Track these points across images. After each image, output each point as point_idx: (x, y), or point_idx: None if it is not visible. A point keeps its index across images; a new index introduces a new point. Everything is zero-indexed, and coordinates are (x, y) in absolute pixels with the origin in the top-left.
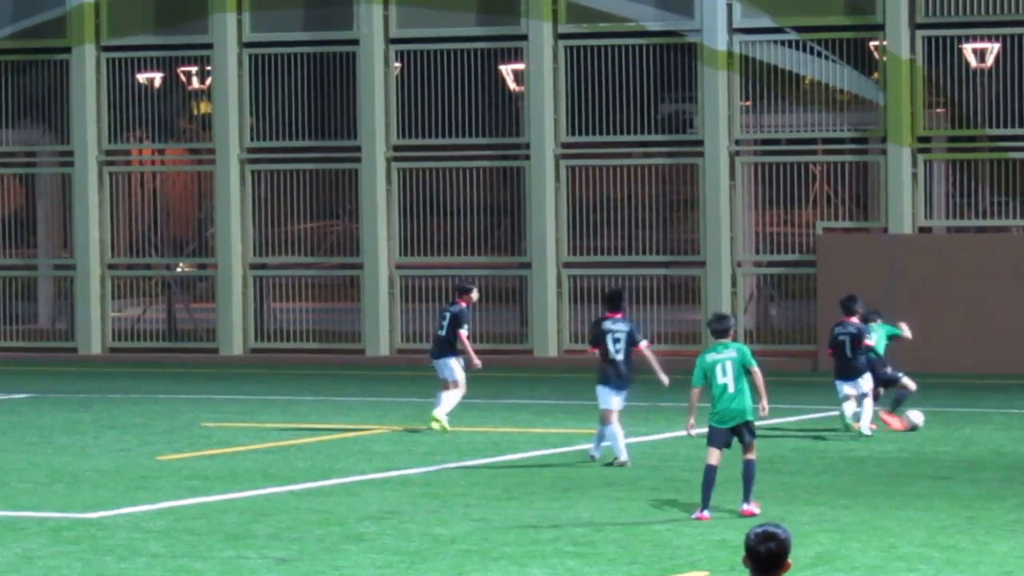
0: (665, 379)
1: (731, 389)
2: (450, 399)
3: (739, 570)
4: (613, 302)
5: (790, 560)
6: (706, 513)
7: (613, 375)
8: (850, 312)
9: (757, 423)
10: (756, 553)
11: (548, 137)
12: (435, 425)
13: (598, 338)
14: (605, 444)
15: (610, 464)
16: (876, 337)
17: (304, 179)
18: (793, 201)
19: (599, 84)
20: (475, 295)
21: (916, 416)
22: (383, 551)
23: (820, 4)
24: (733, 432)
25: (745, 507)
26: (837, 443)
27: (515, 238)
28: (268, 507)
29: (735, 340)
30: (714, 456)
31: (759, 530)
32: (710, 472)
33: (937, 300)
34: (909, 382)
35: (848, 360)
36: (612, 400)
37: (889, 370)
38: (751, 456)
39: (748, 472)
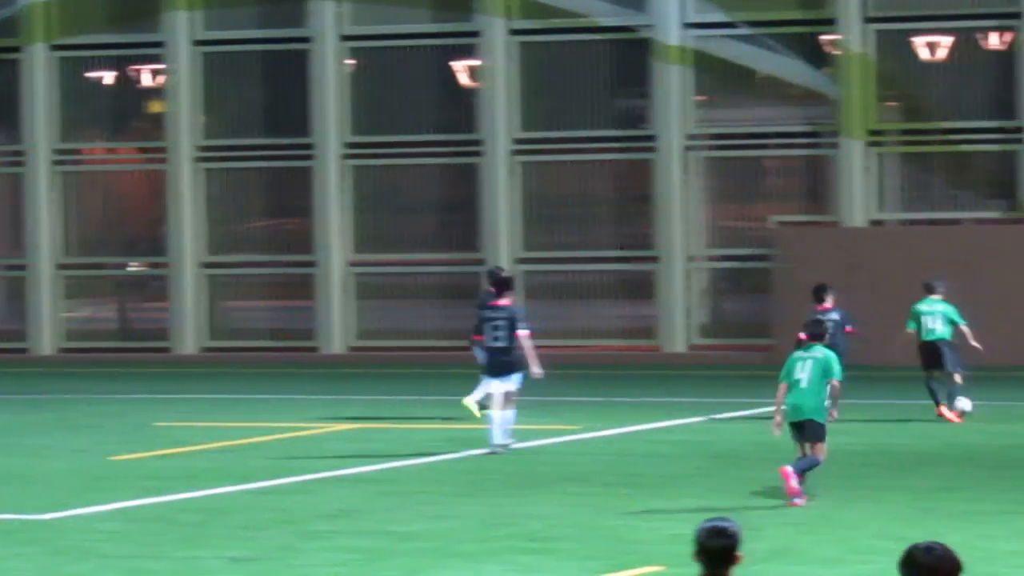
0: (538, 371)
1: (803, 385)
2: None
3: (693, 565)
4: (497, 289)
5: (741, 553)
6: (795, 482)
7: (492, 362)
8: (822, 300)
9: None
10: (707, 548)
11: (502, 133)
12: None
13: (479, 326)
14: (508, 428)
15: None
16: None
17: (257, 177)
18: (747, 195)
19: (552, 80)
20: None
21: (965, 403)
22: (338, 549)
23: None
24: (798, 428)
25: (788, 469)
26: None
27: (469, 234)
28: (223, 506)
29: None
30: (799, 448)
31: (709, 525)
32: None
33: (891, 293)
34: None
35: (833, 348)
36: (493, 386)
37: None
38: (820, 456)
39: (811, 460)
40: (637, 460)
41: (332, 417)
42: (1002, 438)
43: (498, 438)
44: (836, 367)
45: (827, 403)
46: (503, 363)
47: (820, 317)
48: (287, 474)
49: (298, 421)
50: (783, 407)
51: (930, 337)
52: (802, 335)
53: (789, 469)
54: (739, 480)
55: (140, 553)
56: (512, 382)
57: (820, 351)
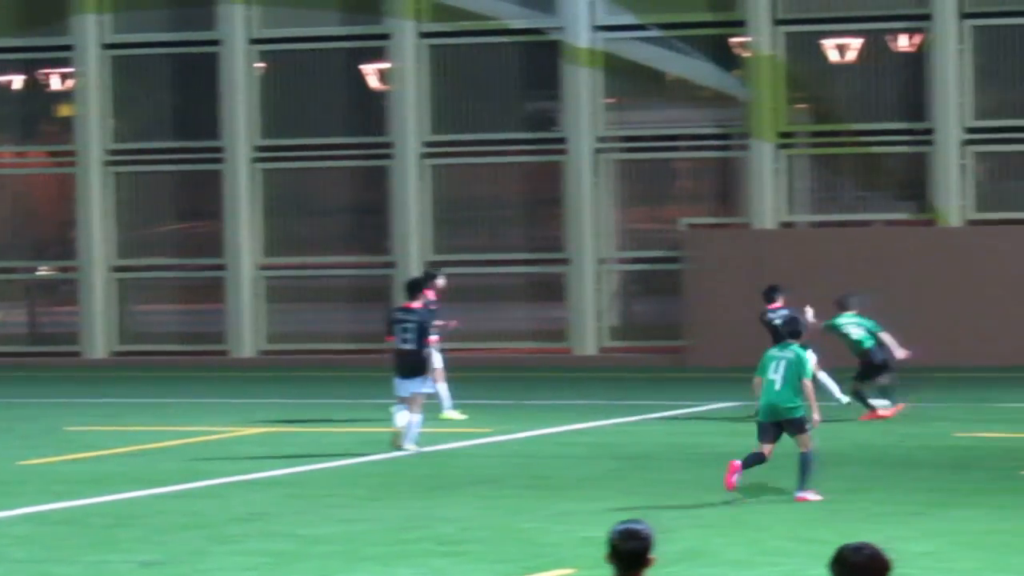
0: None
1: (777, 386)
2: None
3: (605, 567)
4: (409, 292)
5: (654, 556)
6: (736, 478)
7: (401, 365)
8: (772, 300)
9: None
10: (619, 550)
11: (412, 136)
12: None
13: (389, 328)
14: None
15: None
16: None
17: (167, 180)
18: (657, 197)
19: (463, 83)
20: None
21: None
22: (249, 553)
23: (683, 1)
24: (778, 427)
25: (799, 494)
26: (702, 439)
27: (380, 237)
28: (133, 510)
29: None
30: (766, 449)
31: (622, 527)
32: (758, 456)
33: (799, 294)
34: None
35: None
36: (401, 388)
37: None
38: (804, 449)
39: (804, 463)
40: (548, 462)
41: (243, 421)
42: (909, 439)
43: (408, 442)
44: (808, 367)
45: (804, 405)
46: (412, 366)
47: (770, 315)
48: (198, 478)
49: (209, 425)
50: (757, 404)
51: (865, 346)
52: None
53: (800, 495)
54: (650, 482)
55: (49, 557)
56: (425, 385)
57: (792, 351)
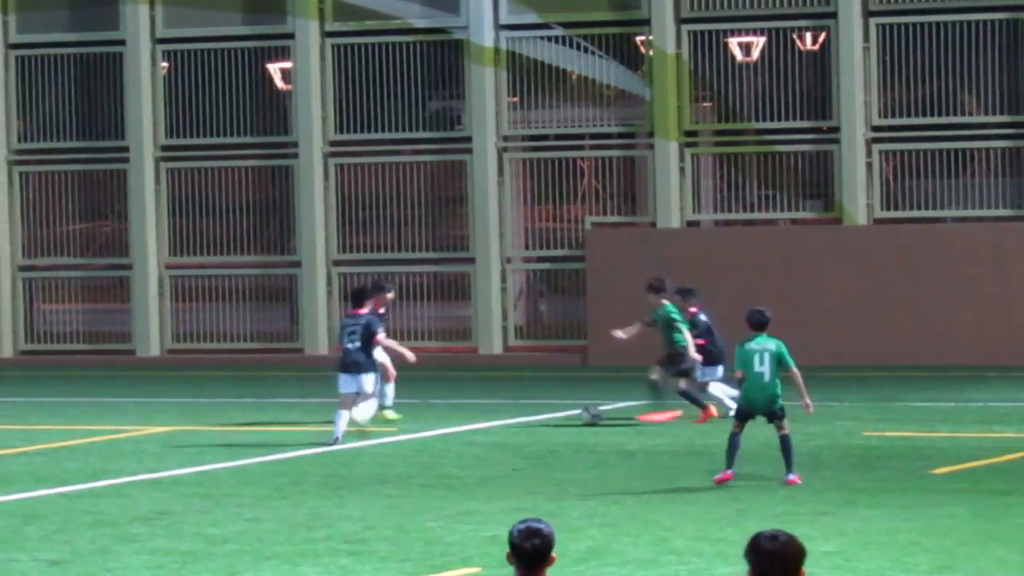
0: (411, 356)
1: (766, 378)
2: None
3: (509, 567)
4: (355, 299)
5: (554, 555)
6: (728, 472)
7: (343, 363)
8: (690, 301)
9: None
10: (521, 549)
11: (316, 135)
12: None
13: (340, 336)
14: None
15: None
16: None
17: (72, 180)
18: (562, 196)
19: (367, 82)
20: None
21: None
22: (155, 552)
23: (586, 0)
24: (759, 414)
25: (790, 477)
26: (608, 437)
27: (285, 236)
28: (38, 509)
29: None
30: (739, 427)
31: (522, 526)
32: (734, 438)
33: (705, 293)
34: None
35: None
36: (342, 384)
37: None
38: (785, 432)
39: (786, 446)
40: (453, 461)
41: (148, 420)
42: (816, 439)
43: (339, 430)
44: (788, 356)
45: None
46: (353, 363)
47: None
48: (103, 477)
49: (114, 424)
50: (741, 397)
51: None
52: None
53: (791, 477)
54: (555, 481)
55: None
56: (363, 381)
57: (771, 342)
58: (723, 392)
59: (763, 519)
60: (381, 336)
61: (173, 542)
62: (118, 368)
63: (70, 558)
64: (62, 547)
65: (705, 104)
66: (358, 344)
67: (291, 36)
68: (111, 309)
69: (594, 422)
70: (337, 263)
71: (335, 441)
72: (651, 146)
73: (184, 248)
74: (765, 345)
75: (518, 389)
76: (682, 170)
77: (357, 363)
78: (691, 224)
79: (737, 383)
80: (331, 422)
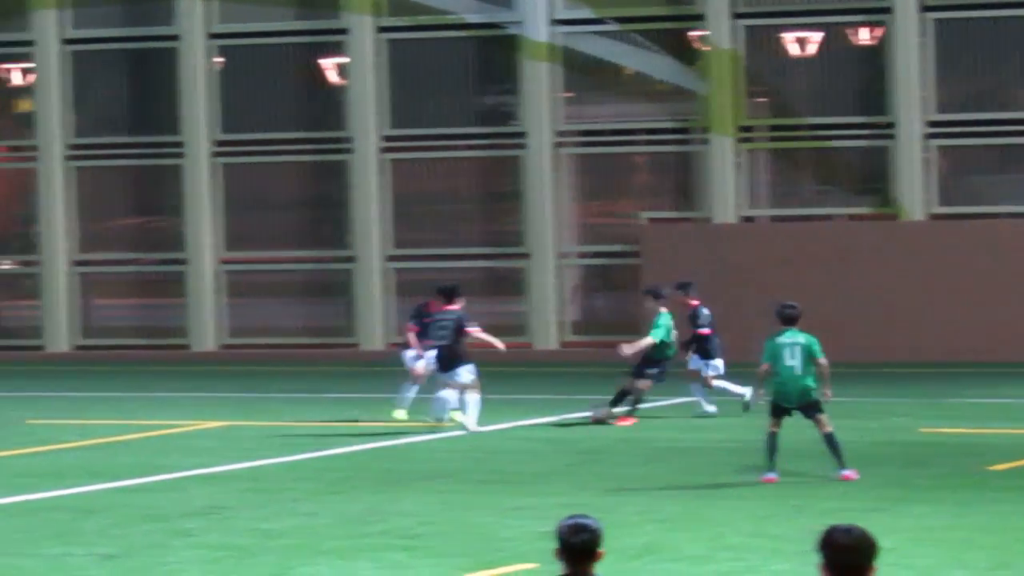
0: (501, 346)
1: (798, 371)
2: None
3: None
4: (447, 296)
5: (602, 550)
6: (772, 475)
7: (440, 359)
8: (692, 294)
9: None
10: (569, 545)
11: (370, 131)
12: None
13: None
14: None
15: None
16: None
17: (127, 175)
18: (616, 192)
19: (421, 77)
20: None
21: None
22: (209, 547)
23: None
24: (795, 411)
25: (844, 473)
26: (663, 433)
27: (339, 232)
28: (94, 504)
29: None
30: (776, 424)
31: (570, 522)
32: (772, 438)
33: (761, 289)
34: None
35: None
36: (447, 379)
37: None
38: (827, 429)
39: (832, 443)
40: (508, 457)
41: (203, 415)
42: (872, 435)
43: (438, 411)
44: (818, 348)
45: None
46: (449, 359)
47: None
48: (157, 472)
49: (169, 419)
50: (768, 390)
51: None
52: None
53: (845, 473)
54: (610, 476)
55: (10, 551)
56: (463, 373)
57: (801, 336)
58: (728, 385)
59: (819, 515)
60: (474, 328)
61: (227, 537)
62: (173, 363)
63: (124, 552)
64: (116, 541)
65: (760, 99)
66: (449, 341)
67: (345, 31)
68: (166, 304)
69: (604, 420)
70: (391, 258)
71: (468, 430)
72: (706, 141)
73: (239, 243)
74: (796, 339)
75: (572, 385)
76: (737, 165)
77: (451, 358)
78: (746, 220)
79: (760, 378)
80: (383, 420)
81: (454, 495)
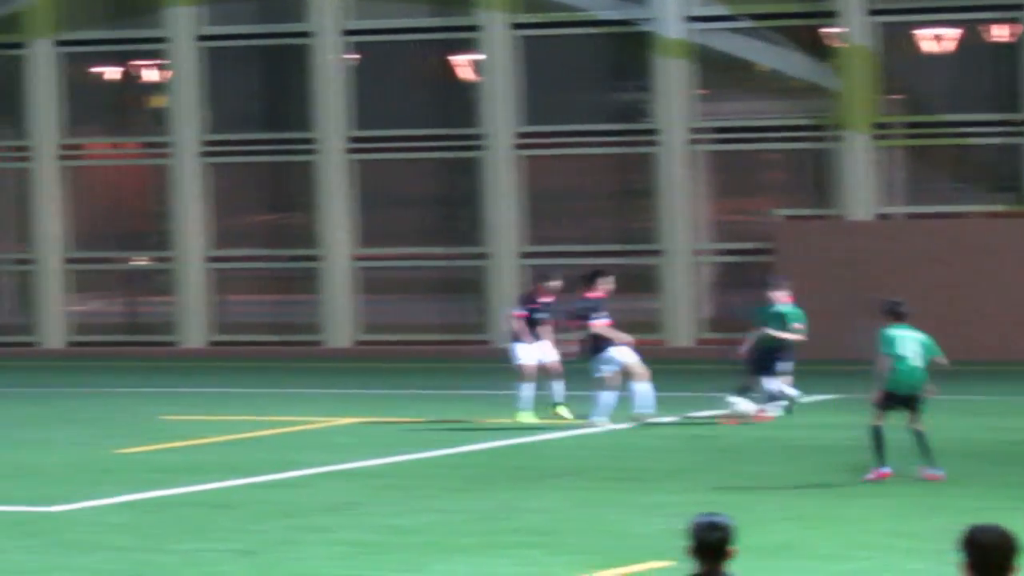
0: (628, 339)
1: (914, 362)
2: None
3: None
4: (587, 282)
5: (735, 548)
6: (885, 469)
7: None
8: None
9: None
10: (702, 542)
11: (503, 127)
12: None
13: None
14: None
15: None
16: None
17: (260, 171)
18: (750, 189)
19: (553, 74)
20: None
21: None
22: (344, 543)
23: None
24: (902, 402)
25: (931, 472)
26: (799, 432)
27: (472, 228)
28: (229, 499)
29: None
30: (881, 418)
31: (703, 519)
32: (878, 432)
33: (897, 286)
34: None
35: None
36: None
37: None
38: (919, 427)
39: (921, 440)
40: (643, 454)
41: (337, 411)
42: (1007, 433)
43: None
44: (934, 344)
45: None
46: (595, 347)
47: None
48: (293, 468)
49: (302, 415)
50: (895, 382)
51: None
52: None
53: (930, 472)
54: (746, 474)
55: (146, 546)
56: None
57: (917, 332)
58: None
59: (956, 514)
60: (597, 321)
61: (362, 533)
62: (306, 359)
63: (260, 548)
64: (251, 537)
65: (894, 96)
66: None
67: (478, 28)
68: (299, 300)
69: (641, 420)
70: (524, 255)
71: (641, 420)
72: (840, 138)
73: (372, 239)
74: (914, 334)
75: (706, 382)
76: (871, 162)
77: (596, 346)
78: (880, 217)
79: (882, 371)
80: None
81: (588, 492)
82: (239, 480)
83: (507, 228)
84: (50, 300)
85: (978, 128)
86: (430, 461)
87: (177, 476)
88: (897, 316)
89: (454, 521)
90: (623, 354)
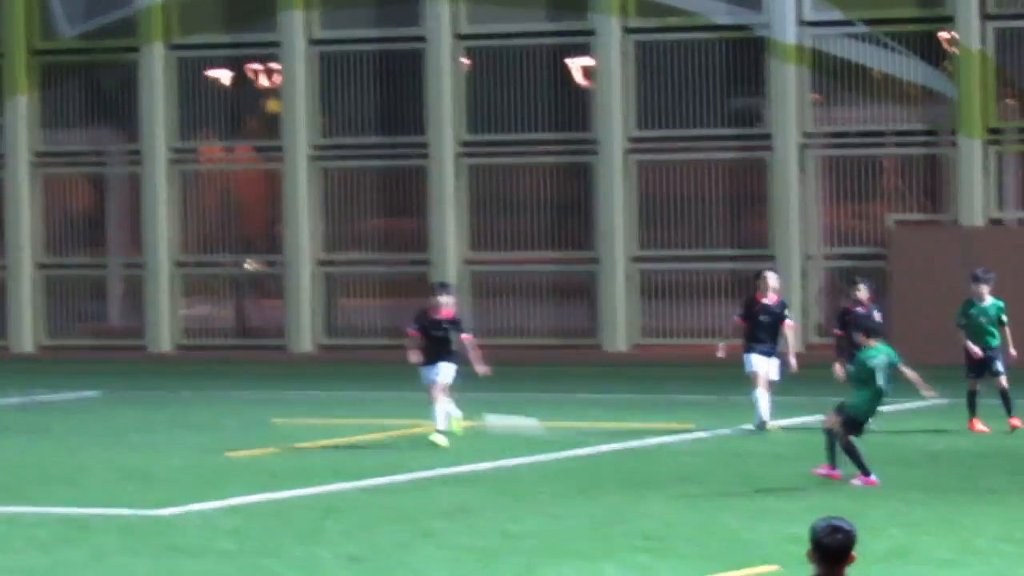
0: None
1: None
2: None
3: (809, 566)
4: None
5: (854, 553)
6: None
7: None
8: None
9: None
10: (823, 545)
11: (616, 132)
12: None
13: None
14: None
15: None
16: None
17: (373, 176)
18: (863, 194)
19: (667, 78)
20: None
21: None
22: (454, 548)
23: None
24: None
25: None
26: (912, 438)
27: (584, 233)
28: (339, 504)
29: None
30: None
31: (825, 524)
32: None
33: (1009, 292)
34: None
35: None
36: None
37: None
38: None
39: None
40: (754, 459)
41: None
42: None
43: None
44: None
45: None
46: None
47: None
48: (402, 471)
49: (413, 419)
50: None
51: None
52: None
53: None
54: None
55: (257, 550)
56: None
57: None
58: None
59: None
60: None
61: (472, 538)
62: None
63: (369, 553)
64: (361, 542)
65: (1010, 101)
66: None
67: (592, 32)
68: (410, 304)
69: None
70: (636, 260)
71: (761, 425)
72: (955, 144)
73: (483, 244)
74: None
75: (818, 387)
76: (986, 168)
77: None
78: (994, 222)
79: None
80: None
81: (699, 497)
82: (348, 484)
83: (618, 233)
84: (161, 304)
85: None
86: (540, 465)
87: (287, 480)
88: (872, 333)
89: (565, 526)
90: (757, 362)
